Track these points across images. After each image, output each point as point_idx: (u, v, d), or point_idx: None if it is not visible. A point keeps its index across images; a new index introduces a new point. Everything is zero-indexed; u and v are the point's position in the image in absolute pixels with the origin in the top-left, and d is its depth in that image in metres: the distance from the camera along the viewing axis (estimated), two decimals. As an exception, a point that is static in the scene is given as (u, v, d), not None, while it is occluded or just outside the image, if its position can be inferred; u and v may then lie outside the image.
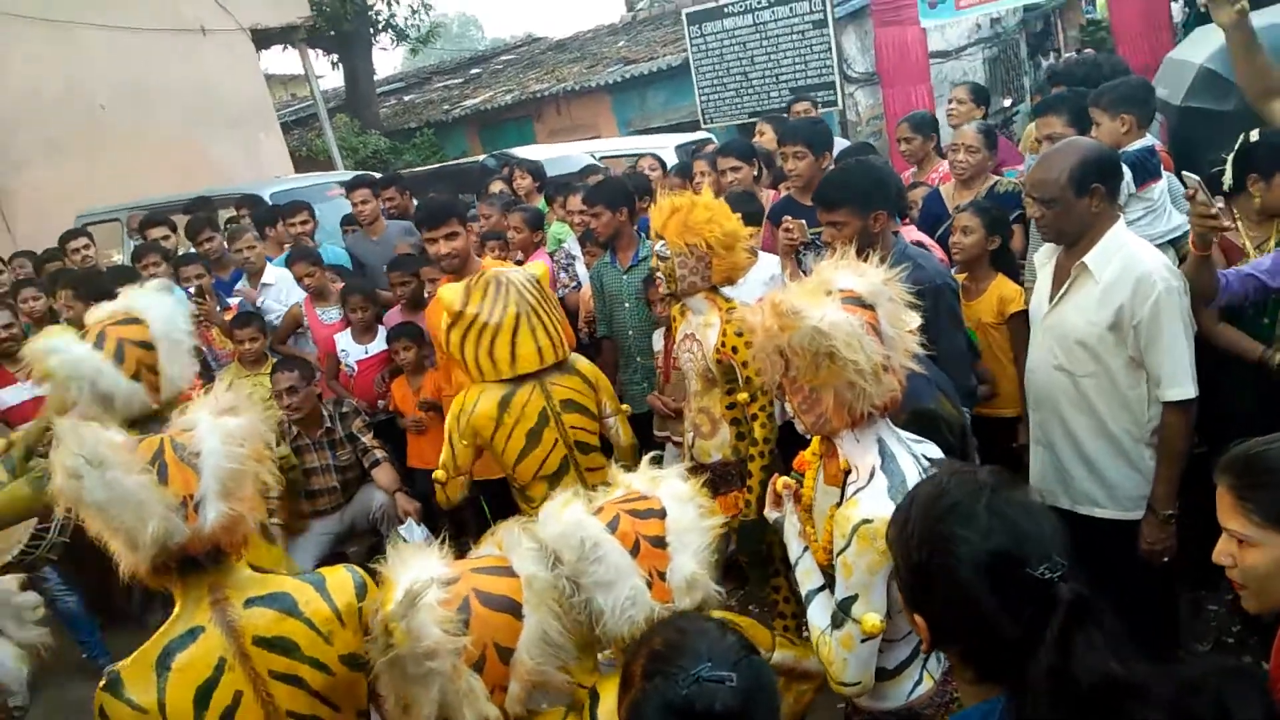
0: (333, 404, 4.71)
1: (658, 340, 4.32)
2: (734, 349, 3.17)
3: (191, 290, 5.36)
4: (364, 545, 4.75)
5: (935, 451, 2.10)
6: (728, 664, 1.37)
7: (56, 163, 10.31)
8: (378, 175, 7.37)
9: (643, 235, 4.42)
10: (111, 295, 4.67)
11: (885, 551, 1.74)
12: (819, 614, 2.08)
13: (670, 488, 1.94)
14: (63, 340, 2.82)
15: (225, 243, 6.09)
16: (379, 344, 5.02)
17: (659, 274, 3.31)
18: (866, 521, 1.87)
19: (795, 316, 1.89)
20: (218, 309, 5.34)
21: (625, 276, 4.39)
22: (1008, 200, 4.28)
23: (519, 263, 5.06)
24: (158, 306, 2.96)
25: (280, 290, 5.60)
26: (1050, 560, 1.29)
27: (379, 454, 4.61)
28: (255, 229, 6.20)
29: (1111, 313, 2.69)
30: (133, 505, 1.69)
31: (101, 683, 1.81)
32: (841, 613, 1.95)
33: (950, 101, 5.62)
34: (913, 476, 1.94)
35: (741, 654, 1.42)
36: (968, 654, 1.39)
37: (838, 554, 1.92)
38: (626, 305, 4.38)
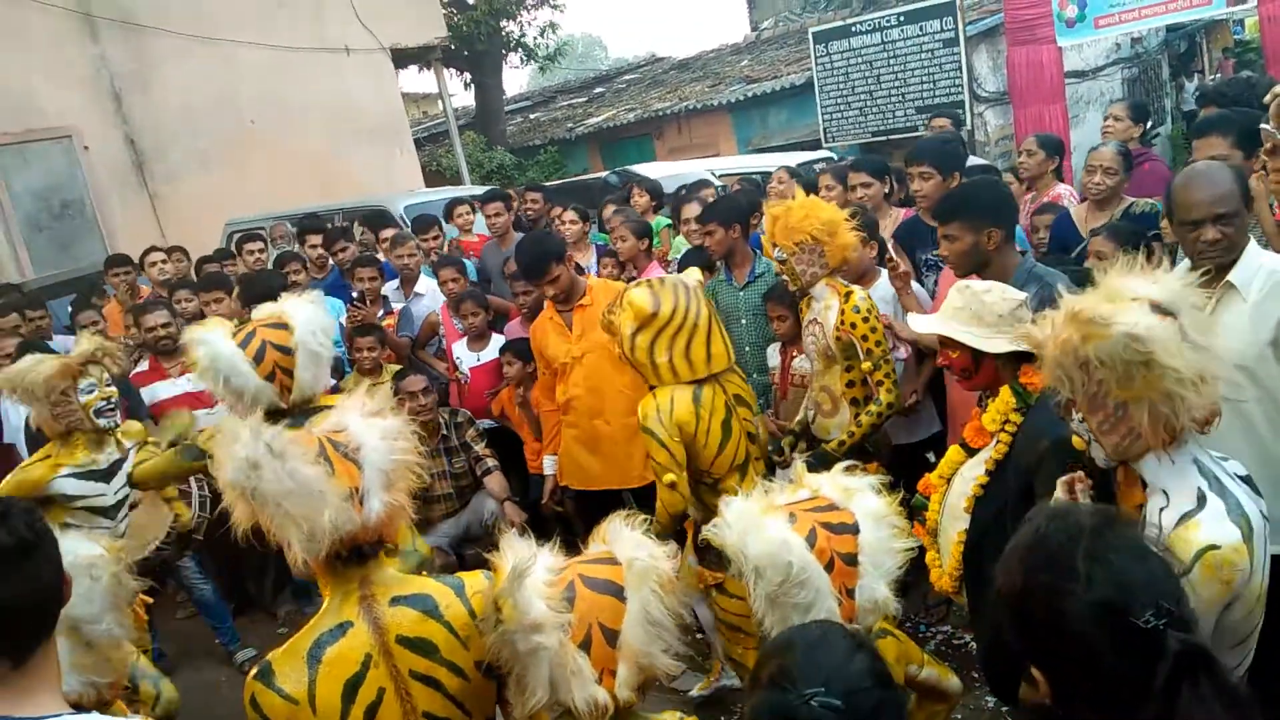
0: (449, 413, 4.84)
1: (773, 356, 4.31)
2: (852, 325, 3.48)
3: (355, 294, 5.59)
4: (480, 550, 4.86)
5: (1240, 469, 1.91)
6: (841, 692, 1.36)
7: (206, 173, 10.96)
8: (509, 190, 7.58)
9: (757, 252, 4.42)
10: (273, 297, 4.91)
11: (1229, 583, 1.64)
12: None
13: (865, 503, 1.94)
14: (213, 334, 3.02)
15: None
16: (492, 351, 5.11)
17: (785, 278, 3.66)
18: (1213, 548, 1.68)
19: (1102, 324, 1.73)
20: (380, 314, 5.53)
21: (741, 293, 4.39)
22: (1144, 221, 4.09)
23: (631, 278, 5.12)
24: (305, 316, 3.13)
25: (430, 300, 5.76)
26: (1156, 608, 1.24)
27: (490, 462, 4.73)
28: (411, 237, 6.37)
29: (1271, 327, 2.52)
30: (314, 494, 1.75)
31: (252, 671, 1.87)
32: None
33: (1107, 118, 5.39)
34: (1243, 499, 1.78)
35: (863, 684, 1.40)
36: (1091, 705, 1.34)
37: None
38: (743, 321, 4.37)
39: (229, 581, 5.15)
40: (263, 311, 3.18)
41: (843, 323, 3.49)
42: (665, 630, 1.74)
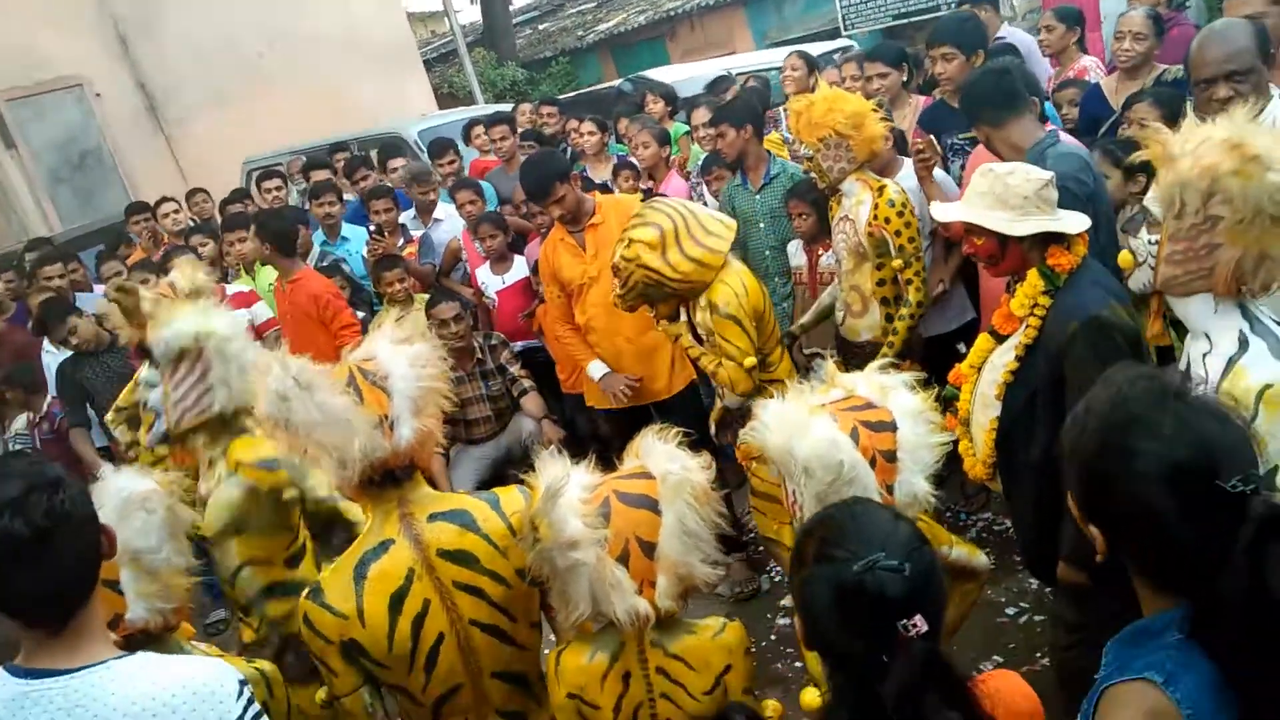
0: (483, 337, 4.87)
1: (795, 255, 4.25)
2: (886, 220, 3.40)
3: (372, 227, 5.59)
4: (521, 469, 4.93)
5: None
6: (901, 553, 1.38)
7: (220, 112, 10.91)
8: (510, 109, 7.48)
9: (771, 154, 4.32)
10: (288, 241, 4.87)
11: None
12: None
13: (901, 401, 1.96)
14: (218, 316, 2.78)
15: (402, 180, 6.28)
16: (515, 273, 5.10)
17: (813, 174, 3.58)
18: (1268, 385, 1.75)
19: (1264, 165, 1.73)
20: (399, 243, 5.53)
21: (758, 197, 4.31)
22: (1178, 89, 3.93)
23: (647, 192, 5.05)
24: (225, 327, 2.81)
25: (451, 224, 5.74)
26: (1243, 472, 1.22)
27: (526, 383, 4.78)
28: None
29: None
30: (341, 424, 1.80)
31: (305, 591, 1.95)
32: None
33: None
34: None
35: (915, 544, 1.42)
36: (1146, 566, 1.34)
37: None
38: (761, 225, 4.31)
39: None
40: None
41: (875, 218, 3.42)
42: (702, 540, 1.77)
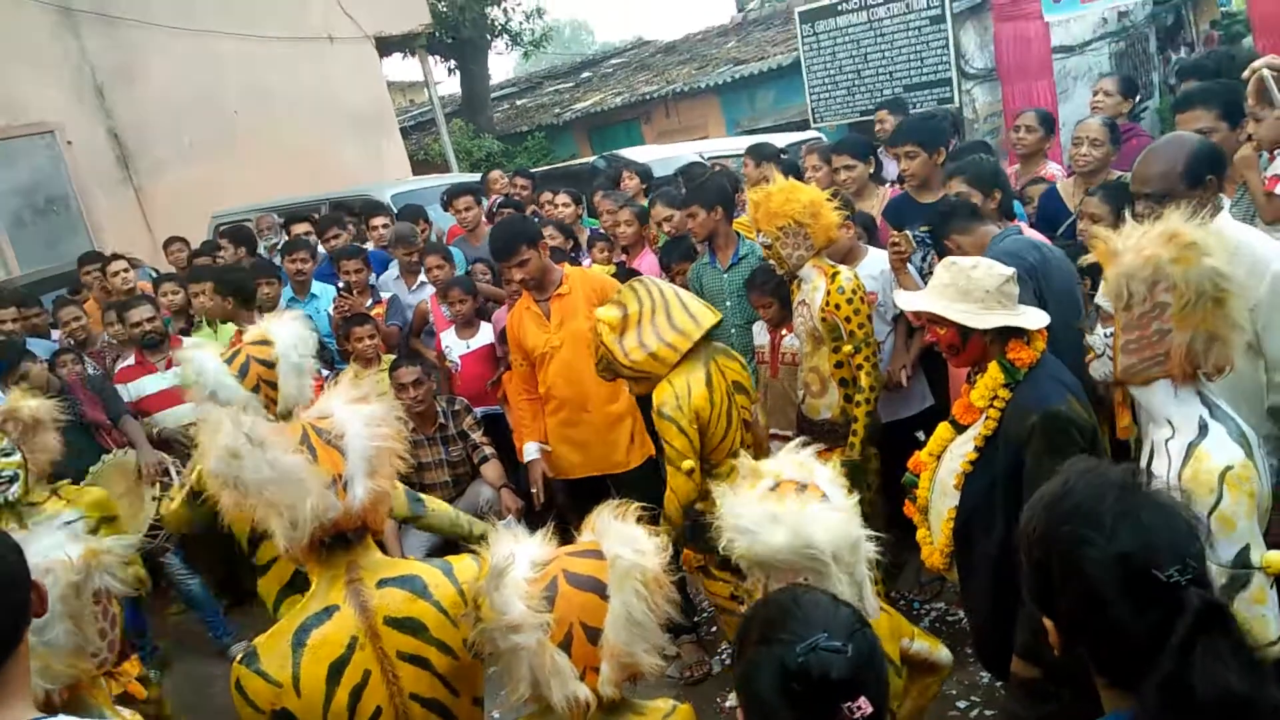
0: (445, 401, 4.83)
1: (759, 335, 4.30)
2: (837, 305, 3.51)
3: (341, 285, 5.57)
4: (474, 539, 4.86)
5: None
6: (843, 634, 1.38)
7: (192, 166, 10.88)
8: (477, 180, 7.56)
9: (740, 235, 4.40)
10: (249, 290, 4.93)
11: (1253, 495, 1.77)
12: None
13: (822, 474, 1.98)
14: (200, 352, 3.03)
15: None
16: (481, 338, 5.11)
17: (771, 262, 3.69)
18: (1229, 468, 1.83)
19: (1200, 251, 1.84)
20: (368, 303, 5.51)
21: (725, 275, 4.38)
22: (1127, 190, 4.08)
23: (620, 264, 5.10)
24: (287, 332, 3.17)
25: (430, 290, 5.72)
26: (1181, 563, 1.24)
27: (487, 450, 4.74)
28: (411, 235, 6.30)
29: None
30: (293, 483, 1.75)
31: (238, 656, 1.88)
32: (1241, 570, 1.85)
33: (1096, 93, 5.35)
34: (1240, 421, 1.93)
35: (856, 626, 1.43)
36: (1098, 659, 1.34)
37: (1210, 512, 1.84)
38: (728, 304, 4.36)
39: (222, 575, 5.13)
40: (250, 333, 3.21)
41: (828, 303, 3.52)
42: (648, 631, 1.71)
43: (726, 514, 1.86)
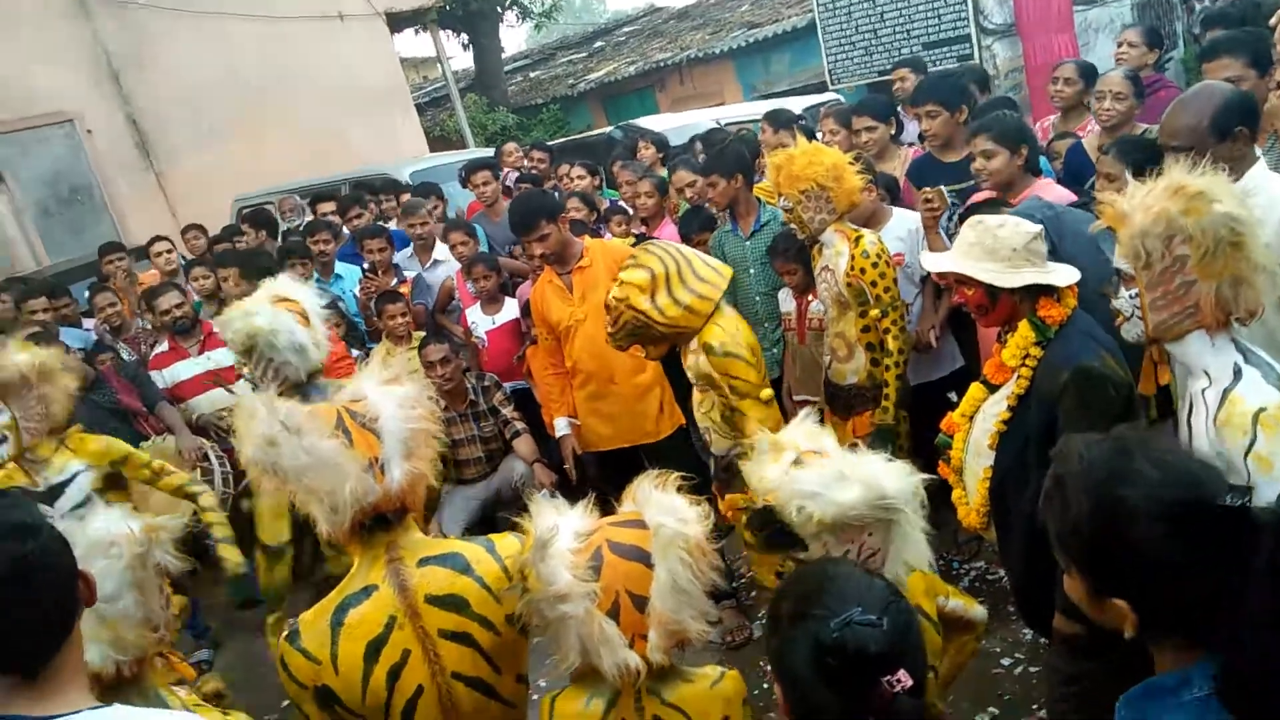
0: (475, 378, 4.86)
1: (785, 301, 4.29)
2: (862, 270, 3.47)
3: (366, 265, 5.60)
4: (511, 512, 4.90)
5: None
6: (878, 608, 1.37)
7: (211, 149, 10.94)
8: (492, 154, 7.56)
9: (761, 201, 4.37)
10: (271, 273, 4.98)
11: None
12: None
13: (830, 443, 1.98)
14: (257, 305, 3.16)
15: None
16: (506, 314, 5.12)
17: (793, 226, 3.63)
18: (1262, 409, 1.83)
19: (1208, 200, 1.85)
20: (394, 282, 5.53)
21: (748, 243, 4.36)
22: (1153, 144, 4.01)
23: (640, 236, 5.09)
24: (299, 289, 3.36)
25: (448, 266, 5.73)
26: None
27: (519, 425, 4.76)
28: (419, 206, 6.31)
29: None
30: (331, 467, 1.77)
31: (284, 633, 1.92)
32: None
33: (1120, 45, 5.23)
34: (1275, 364, 1.93)
35: (890, 598, 1.42)
36: (1176, 622, 1.28)
37: (1245, 454, 1.82)
38: (751, 271, 4.34)
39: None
40: (262, 293, 3.31)
41: (852, 268, 3.49)
42: (694, 597, 1.73)
43: (787, 485, 1.85)
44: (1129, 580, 1.27)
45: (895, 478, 1.81)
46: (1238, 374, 1.89)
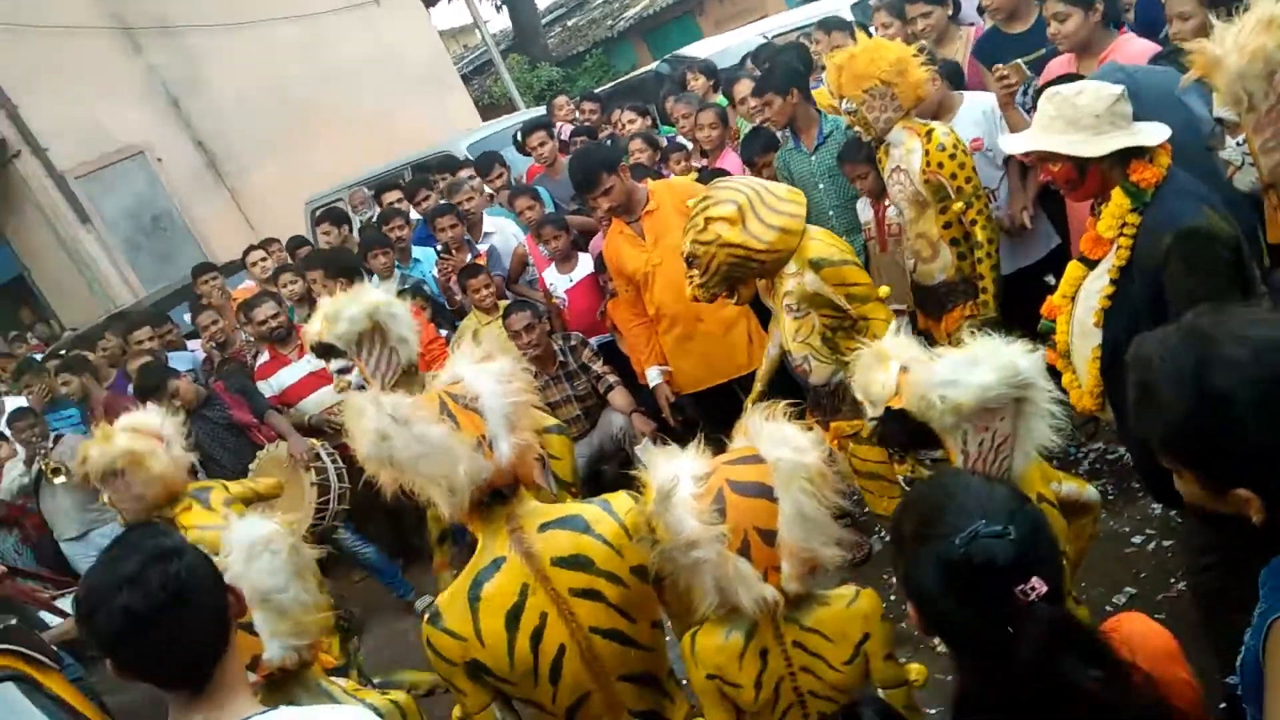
0: (562, 338, 4.90)
1: (864, 211, 4.18)
2: (940, 164, 3.35)
3: (439, 247, 5.69)
4: (615, 464, 4.97)
5: None
6: (1002, 517, 1.33)
7: (275, 157, 11.19)
8: (544, 113, 7.51)
9: (822, 112, 4.21)
10: (355, 271, 5.08)
11: None
12: None
13: (915, 349, 1.98)
14: (371, 291, 3.19)
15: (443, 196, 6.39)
16: (581, 270, 5.10)
17: (857, 128, 3.51)
18: None
19: None
20: (468, 257, 5.61)
21: (813, 158, 4.23)
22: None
23: (702, 170, 4.99)
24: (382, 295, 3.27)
25: (502, 237, 5.78)
26: None
27: (611, 378, 4.78)
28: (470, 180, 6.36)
29: None
30: (444, 452, 1.82)
31: (425, 616, 1.99)
32: None
33: None
34: None
35: (1015, 505, 1.38)
36: None
37: None
38: (820, 186, 4.22)
39: (393, 539, 5.41)
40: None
41: (928, 164, 3.37)
42: (823, 524, 1.75)
43: (918, 378, 1.86)
44: (1245, 467, 1.23)
45: (1024, 354, 1.81)
46: None
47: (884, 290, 3.12)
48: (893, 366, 1.96)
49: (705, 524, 1.70)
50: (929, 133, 3.38)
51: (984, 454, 1.84)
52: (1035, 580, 1.28)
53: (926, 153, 3.36)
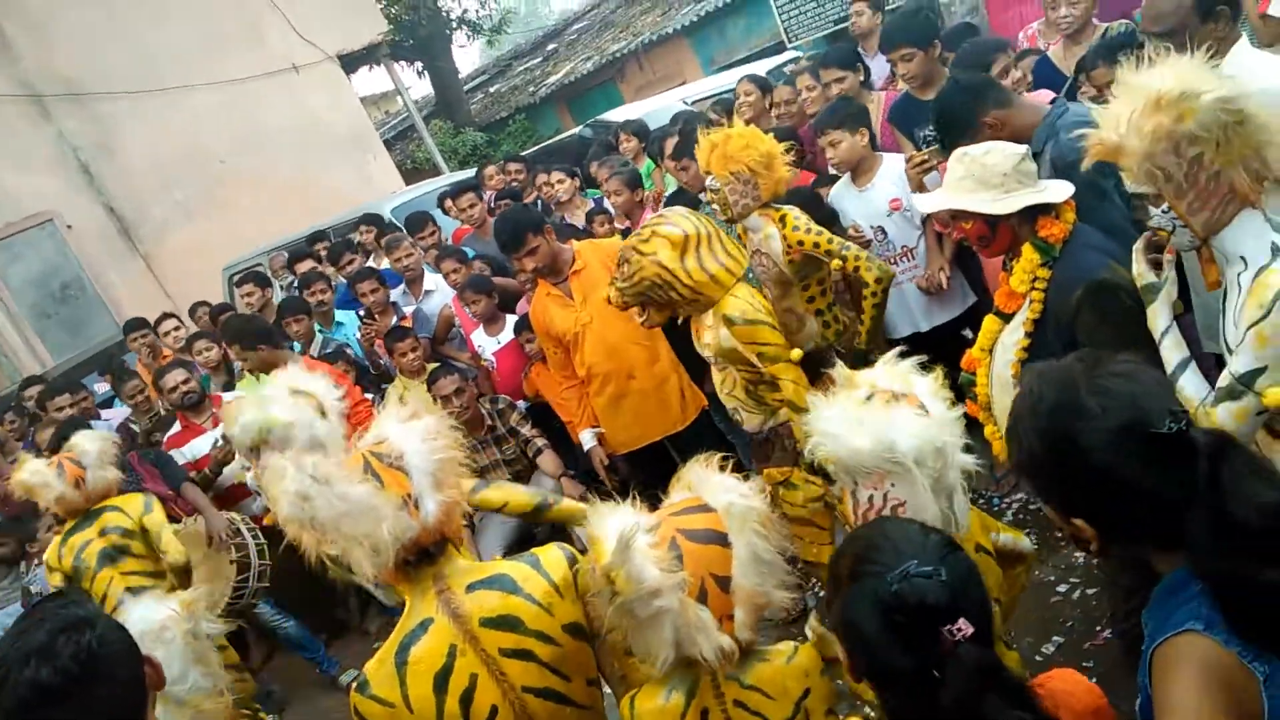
0: (489, 401, 4.86)
1: None
2: (799, 242, 3.48)
3: (362, 311, 5.62)
4: (546, 529, 4.91)
5: None
6: (934, 560, 1.38)
7: (192, 223, 10.98)
8: (472, 175, 7.55)
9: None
10: (271, 336, 4.98)
11: None
12: (1193, 387, 2.06)
13: (922, 386, 1.97)
14: (274, 394, 3.08)
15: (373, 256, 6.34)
16: (509, 333, 5.09)
17: (714, 206, 3.59)
18: None
19: (1192, 97, 1.81)
20: (393, 320, 5.55)
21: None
22: (1128, 41, 3.95)
23: (625, 230, 5.06)
24: (316, 382, 3.21)
25: (442, 294, 5.73)
26: (1172, 414, 1.30)
27: (540, 442, 4.76)
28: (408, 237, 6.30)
29: None
30: (367, 511, 1.78)
31: (353, 685, 1.92)
32: (1242, 385, 1.90)
33: None
34: None
35: (946, 550, 1.43)
36: (1140, 531, 1.37)
37: (1250, 325, 1.87)
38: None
39: (315, 612, 5.23)
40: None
41: (789, 246, 3.48)
42: (776, 567, 1.75)
43: (814, 419, 1.88)
44: (1084, 502, 1.37)
45: (911, 433, 1.79)
46: (1276, 252, 1.86)
47: (796, 353, 3.16)
48: (858, 394, 1.97)
49: (666, 571, 1.68)
50: (782, 218, 3.51)
51: (876, 507, 1.84)
52: (962, 621, 1.31)
53: (785, 237, 3.48)
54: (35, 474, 3.62)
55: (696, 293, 3.13)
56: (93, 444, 3.80)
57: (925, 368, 2.05)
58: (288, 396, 3.04)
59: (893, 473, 1.79)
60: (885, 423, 1.80)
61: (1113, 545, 1.40)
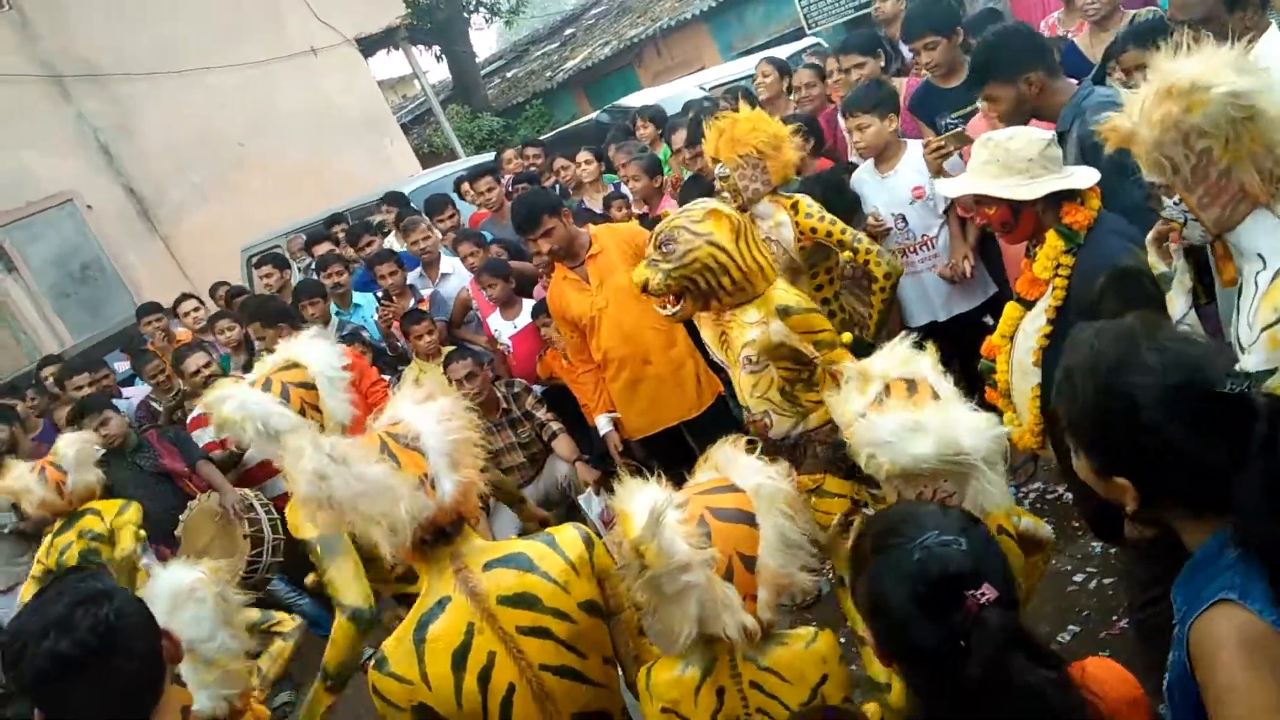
0: (505, 385, 4.87)
1: None
2: (813, 229, 3.45)
3: (380, 293, 5.62)
4: (561, 511, 4.92)
5: None
6: (955, 530, 1.39)
7: (210, 204, 11.02)
8: (491, 159, 7.54)
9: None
10: (290, 315, 5.00)
11: None
12: None
13: (924, 365, 1.98)
14: (234, 388, 3.05)
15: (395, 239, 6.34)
16: (525, 317, 5.08)
17: (725, 194, 3.51)
18: None
19: (1203, 89, 1.75)
20: (410, 303, 5.55)
21: None
22: (1159, 27, 3.90)
23: (643, 216, 5.05)
24: (314, 350, 3.20)
25: (459, 277, 5.73)
26: (1232, 375, 1.30)
27: (555, 426, 4.75)
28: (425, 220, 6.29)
29: None
30: (384, 490, 1.79)
31: (371, 662, 1.94)
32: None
33: None
34: None
35: (967, 523, 1.44)
36: (1179, 495, 1.37)
37: (1265, 328, 1.82)
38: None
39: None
40: (269, 362, 3.19)
41: (802, 233, 3.46)
42: (801, 549, 1.77)
43: (862, 430, 1.88)
44: (1132, 460, 1.37)
45: (973, 432, 1.81)
46: None
47: (846, 336, 3.11)
48: (872, 390, 1.98)
49: (695, 547, 1.69)
50: (795, 204, 3.48)
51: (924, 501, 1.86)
52: (986, 586, 1.32)
53: (797, 224, 3.46)
54: (18, 479, 3.89)
55: (747, 280, 2.91)
56: (71, 448, 4.00)
57: (945, 359, 2.05)
58: (243, 390, 2.99)
59: (953, 473, 1.81)
60: (946, 424, 1.82)
61: (1149, 507, 1.38)
